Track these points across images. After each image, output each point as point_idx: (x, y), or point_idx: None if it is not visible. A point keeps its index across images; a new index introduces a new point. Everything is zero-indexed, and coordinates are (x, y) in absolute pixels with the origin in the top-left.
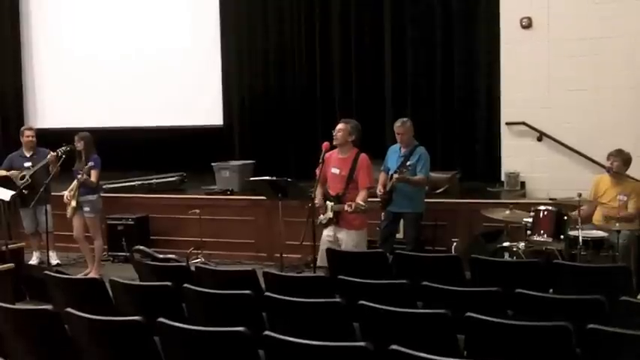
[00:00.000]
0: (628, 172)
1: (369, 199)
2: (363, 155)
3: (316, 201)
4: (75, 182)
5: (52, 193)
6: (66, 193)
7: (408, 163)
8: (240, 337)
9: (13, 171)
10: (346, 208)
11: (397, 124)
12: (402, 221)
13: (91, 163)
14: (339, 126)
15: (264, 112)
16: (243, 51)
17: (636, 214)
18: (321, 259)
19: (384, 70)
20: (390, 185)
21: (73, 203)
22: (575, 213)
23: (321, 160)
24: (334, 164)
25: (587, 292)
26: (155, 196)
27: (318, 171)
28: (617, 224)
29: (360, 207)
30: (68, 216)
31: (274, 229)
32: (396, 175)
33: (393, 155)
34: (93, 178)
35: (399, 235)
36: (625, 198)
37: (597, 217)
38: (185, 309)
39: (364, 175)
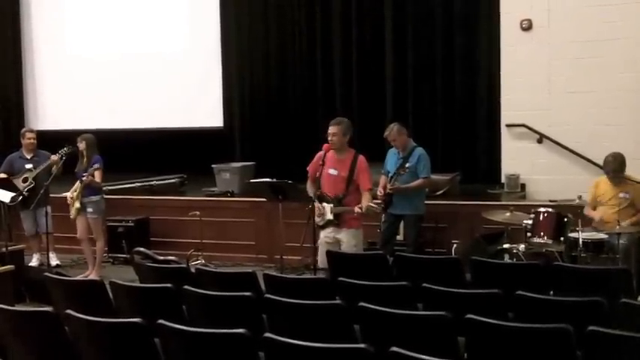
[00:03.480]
0: (629, 173)
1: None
2: (361, 157)
3: (315, 204)
4: (77, 183)
5: (52, 195)
6: (68, 195)
7: (407, 165)
8: (241, 339)
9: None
10: (356, 209)
11: (385, 133)
12: (402, 223)
13: (96, 165)
14: (332, 129)
15: (264, 113)
16: (243, 52)
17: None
18: (322, 261)
19: (385, 72)
20: (388, 189)
21: (77, 204)
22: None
23: (321, 163)
24: (331, 165)
25: (587, 294)
26: (155, 198)
27: (312, 169)
28: (618, 227)
29: (374, 209)
30: (72, 217)
31: (274, 231)
32: (389, 185)
33: (392, 158)
34: (97, 178)
35: (400, 237)
36: (627, 195)
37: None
38: (185, 311)
39: (365, 178)
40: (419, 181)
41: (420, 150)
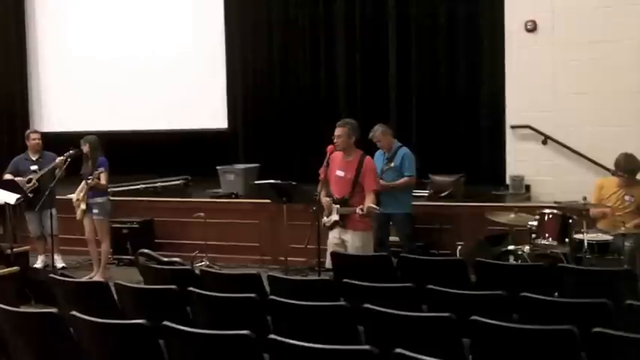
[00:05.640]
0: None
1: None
2: (368, 158)
3: (323, 201)
4: (83, 184)
5: (58, 197)
6: (74, 196)
7: (392, 164)
8: (245, 341)
9: (19, 177)
10: (357, 211)
11: (370, 134)
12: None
13: (101, 169)
14: (337, 131)
15: (268, 115)
16: (247, 54)
17: None
18: (329, 262)
19: (389, 73)
20: None
21: (83, 206)
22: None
23: (325, 164)
24: (339, 166)
25: (592, 295)
26: (160, 200)
27: (322, 172)
28: (623, 228)
29: (375, 210)
30: (78, 218)
31: (279, 233)
32: None
33: (379, 159)
34: (103, 180)
35: (395, 238)
36: (632, 199)
37: (602, 220)
38: (190, 312)
39: (370, 178)
40: (404, 179)
41: (404, 149)
